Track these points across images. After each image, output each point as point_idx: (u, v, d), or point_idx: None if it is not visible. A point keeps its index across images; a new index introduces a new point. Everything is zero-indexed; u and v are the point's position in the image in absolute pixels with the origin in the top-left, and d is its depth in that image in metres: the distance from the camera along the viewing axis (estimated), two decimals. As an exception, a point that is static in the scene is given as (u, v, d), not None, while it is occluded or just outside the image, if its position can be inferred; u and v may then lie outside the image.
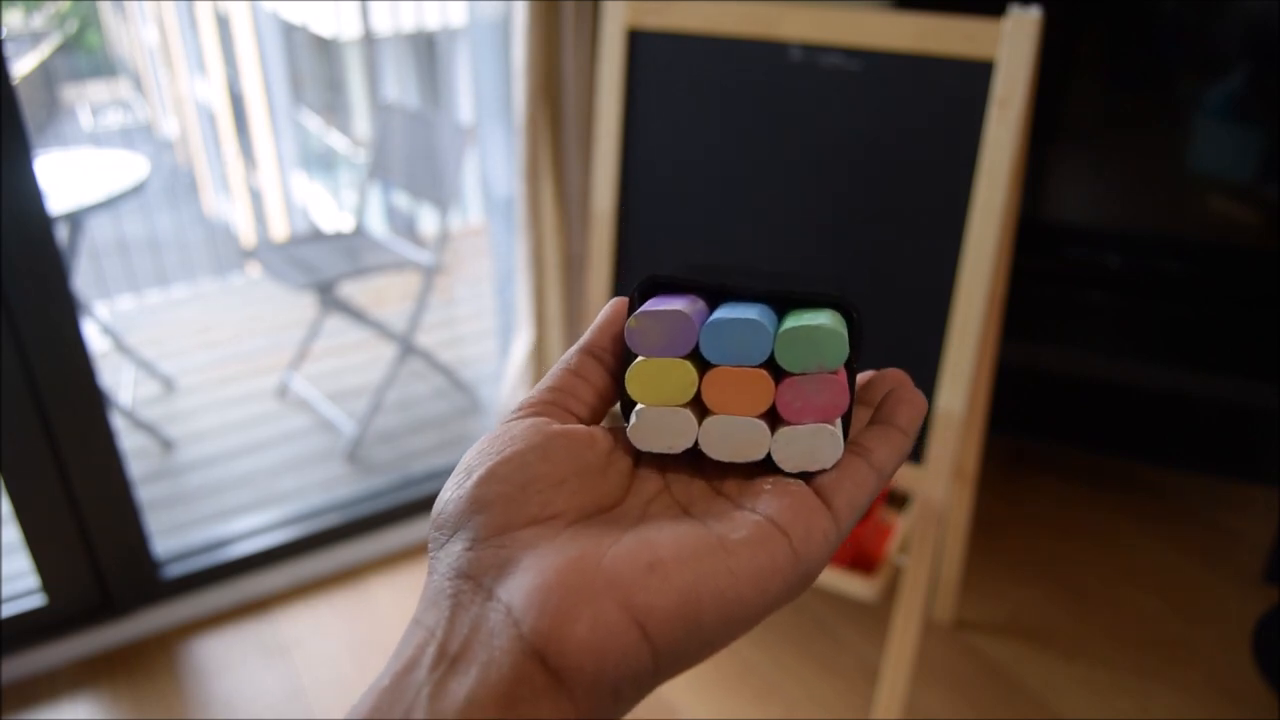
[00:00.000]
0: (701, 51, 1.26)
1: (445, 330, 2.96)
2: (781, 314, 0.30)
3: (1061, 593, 1.71)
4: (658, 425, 0.29)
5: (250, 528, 1.73)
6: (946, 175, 1.14)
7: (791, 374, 0.28)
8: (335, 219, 5.04)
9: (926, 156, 1.15)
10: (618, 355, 0.32)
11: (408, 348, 2.28)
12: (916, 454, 1.21)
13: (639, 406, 0.29)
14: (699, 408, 0.29)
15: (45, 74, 5.40)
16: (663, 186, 1.33)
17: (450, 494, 0.28)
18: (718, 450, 0.29)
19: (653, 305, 0.29)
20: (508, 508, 0.26)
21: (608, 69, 1.32)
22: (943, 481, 1.19)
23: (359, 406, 2.37)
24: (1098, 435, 1.90)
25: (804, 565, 0.27)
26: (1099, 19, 1.64)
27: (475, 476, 0.27)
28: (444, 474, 1.88)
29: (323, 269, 2.25)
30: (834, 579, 1.29)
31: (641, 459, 0.31)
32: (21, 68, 4.79)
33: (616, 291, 1.39)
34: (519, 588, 0.24)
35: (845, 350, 0.28)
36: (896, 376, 0.33)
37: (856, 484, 0.29)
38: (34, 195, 1.30)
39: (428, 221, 4.16)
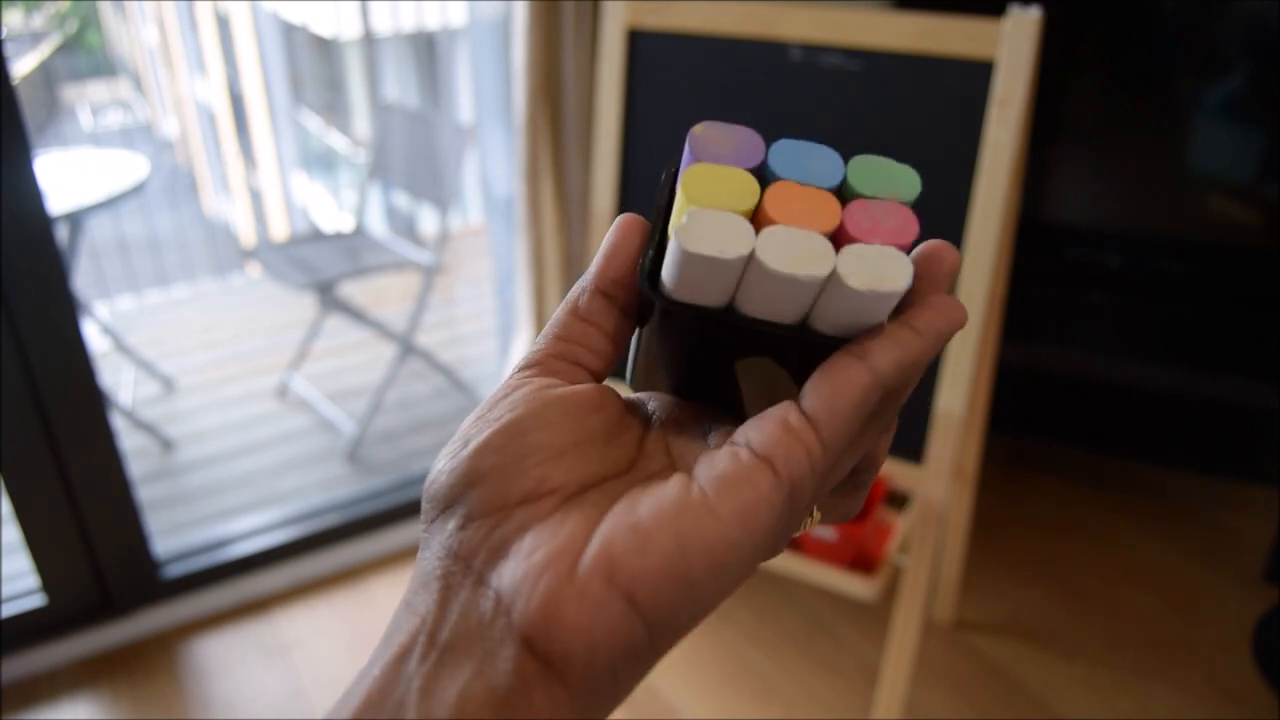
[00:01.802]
0: (701, 51, 1.26)
1: (445, 330, 2.96)
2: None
3: (1061, 593, 1.71)
4: (711, 226, 0.25)
5: (250, 528, 1.73)
6: (946, 175, 1.14)
7: (861, 197, 0.27)
8: (335, 219, 5.04)
9: (926, 156, 1.15)
10: (631, 288, 0.29)
11: (408, 348, 2.28)
12: (916, 454, 1.21)
13: (691, 208, 0.26)
14: (759, 222, 0.26)
15: (45, 74, 5.40)
16: (663, 186, 1.33)
17: (445, 464, 0.26)
18: (777, 259, 0.25)
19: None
20: (503, 481, 0.25)
21: (608, 69, 1.32)
22: (943, 481, 1.19)
23: (359, 406, 2.37)
24: (1098, 435, 1.90)
25: (788, 488, 0.24)
26: (1099, 19, 1.64)
27: (471, 447, 0.26)
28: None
29: (323, 269, 2.25)
30: (834, 579, 1.29)
31: (654, 430, 0.29)
32: (21, 68, 4.79)
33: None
34: (506, 575, 0.24)
35: (918, 186, 0.27)
36: (938, 262, 0.28)
37: (840, 384, 0.25)
38: (34, 195, 1.30)
39: (428, 221, 4.16)
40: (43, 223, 1.32)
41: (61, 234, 2.05)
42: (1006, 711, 1.47)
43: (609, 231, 0.30)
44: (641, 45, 1.30)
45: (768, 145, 0.28)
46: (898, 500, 1.44)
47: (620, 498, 0.26)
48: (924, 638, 1.57)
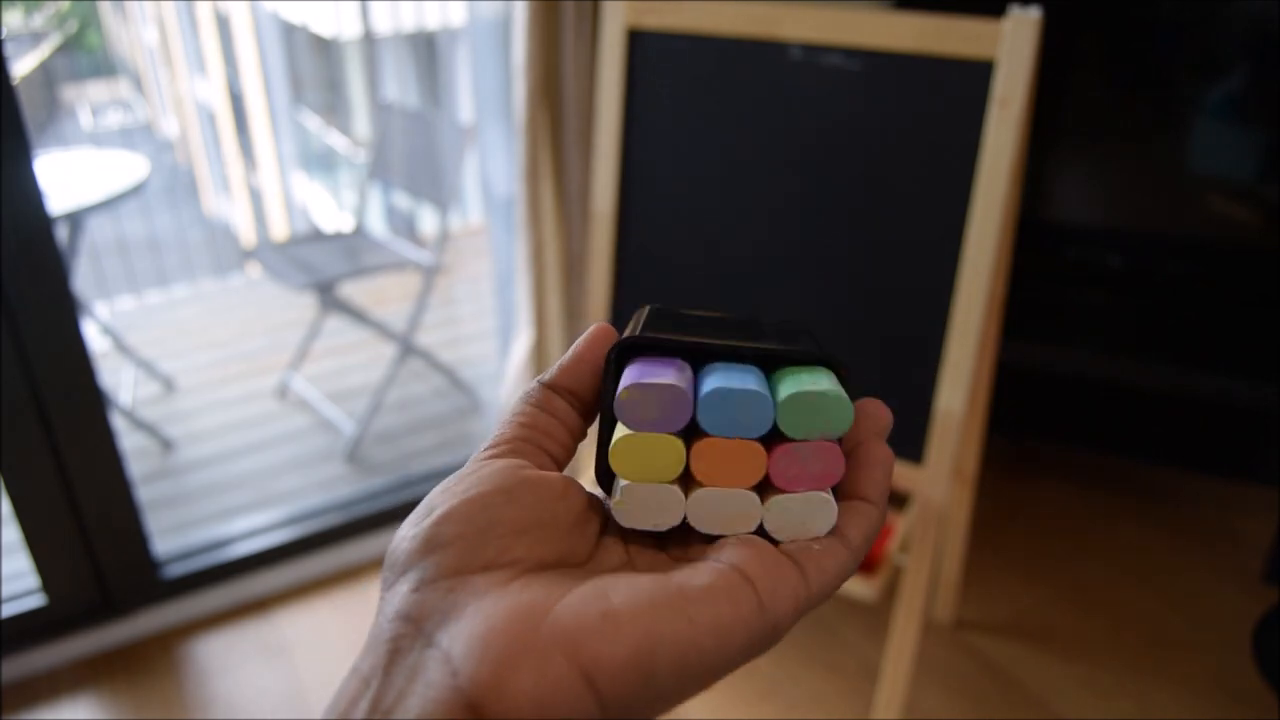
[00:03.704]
0: (701, 51, 1.26)
1: (445, 330, 2.96)
2: (769, 374, 0.29)
3: (1062, 593, 1.71)
4: (645, 503, 0.28)
5: (250, 528, 1.73)
6: (946, 175, 1.14)
7: (786, 441, 0.27)
8: (335, 219, 5.04)
9: (926, 156, 1.15)
10: (585, 396, 0.31)
11: (408, 348, 2.28)
12: (917, 454, 1.21)
13: (624, 483, 0.28)
14: (684, 480, 0.28)
15: (45, 74, 5.40)
16: (663, 186, 1.33)
17: (407, 531, 0.26)
18: (707, 524, 0.28)
19: (642, 375, 0.28)
20: (463, 550, 0.25)
21: (608, 69, 1.32)
22: (943, 481, 1.19)
23: (359, 406, 2.37)
24: (1098, 435, 1.90)
25: (770, 618, 0.25)
26: (1099, 19, 1.64)
27: (435, 515, 0.26)
28: (444, 474, 1.87)
29: (323, 269, 2.25)
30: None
31: (610, 528, 0.30)
32: (21, 68, 4.79)
33: (616, 292, 1.39)
34: (460, 634, 0.23)
35: (850, 416, 0.27)
36: (864, 420, 0.30)
37: (827, 553, 0.28)
38: (34, 195, 1.30)
39: (428, 221, 4.16)
40: (43, 223, 1.32)
41: (61, 234, 2.04)
42: (1006, 711, 1.47)
43: (580, 338, 0.31)
44: (641, 45, 1.30)
45: (692, 371, 0.29)
46: (898, 500, 1.44)
47: (580, 581, 0.25)
48: (924, 638, 1.57)
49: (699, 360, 0.30)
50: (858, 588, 1.28)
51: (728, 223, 1.30)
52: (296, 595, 1.71)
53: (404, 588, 0.25)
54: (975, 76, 1.10)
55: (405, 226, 4.35)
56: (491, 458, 0.29)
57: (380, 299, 3.00)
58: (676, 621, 0.24)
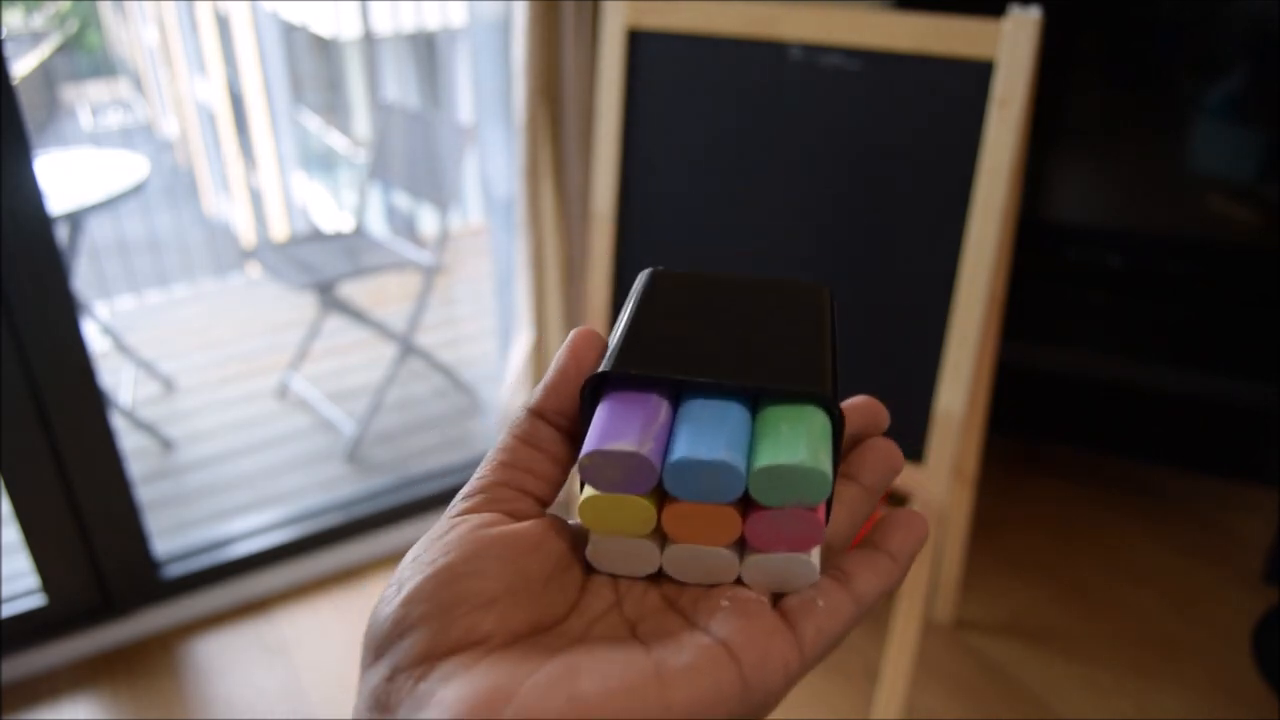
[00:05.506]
0: (701, 51, 1.26)
1: (445, 330, 2.96)
2: (755, 407, 0.28)
3: (1062, 593, 1.71)
4: (619, 553, 0.27)
5: (250, 528, 1.73)
6: (946, 175, 1.14)
7: (762, 507, 0.26)
8: (335, 219, 5.04)
9: (926, 156, 1.15)
10: (573, 416, 0.29)
11: (408, 348, 2.28)
12: (916, 454, 1.21)
13: (595, 535, 0.27)
14: (661, 534, 0.27)
15: (45, 74, 5.40)
16: (663, 187, 1.33)
17: (380, 609, 0.26)
18: (684, 575, 0.27)
19: (604, 437, 0.26)
20: (430, 634, 0.24)
21: (608, 69, 1.32)
22: (943, 481, 1.19)
23: (359, 406, 2.37)
24: (1098, 435, 1.90)
25: (756, 696, 0.24)
26: (1099, 19, 1.64)
27: (403, 594, 0.25)
28: (444, 474, 1.88)
29: (323, 269, 2.25)
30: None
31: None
32: (21, 68, 4.79)
33: (616, 292, 1.39)
34: None
35: (827, 488, 0.26)
36: (883, 461, 0.30)
37: (830, 612, 0.26)
38: (34, 195, 1.30)
39: (428, 221, 4.16)
40: (43, 223, 1.32)
41: (61, 234, 2.04)
42: (1006, 711, 1.47)
43: (561, 349, 0.30)
44: (641, 45, 1.30)
45: (671, 405, 0.28)
46: (898, 500, 1.44)
47: (556, 649, 0.25)
48: (924, 638, 1.57)
49: (682, 391, 0.28)
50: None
51: (727, 223, 1.30)
52: (296, 595, 1.71)
53: (379, 673, 0.25)
54: (975, 76, 1.10)
55: (405, 226, 4.35)
56: (464, 512, 0.27)
57: (380, 299, 3.00)
58: (649, 707, 0.23)
